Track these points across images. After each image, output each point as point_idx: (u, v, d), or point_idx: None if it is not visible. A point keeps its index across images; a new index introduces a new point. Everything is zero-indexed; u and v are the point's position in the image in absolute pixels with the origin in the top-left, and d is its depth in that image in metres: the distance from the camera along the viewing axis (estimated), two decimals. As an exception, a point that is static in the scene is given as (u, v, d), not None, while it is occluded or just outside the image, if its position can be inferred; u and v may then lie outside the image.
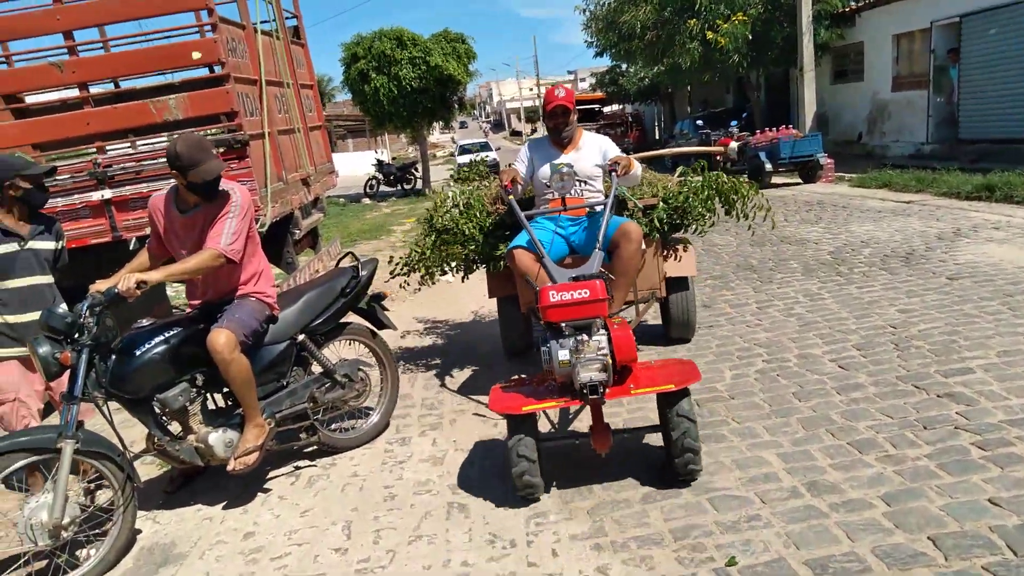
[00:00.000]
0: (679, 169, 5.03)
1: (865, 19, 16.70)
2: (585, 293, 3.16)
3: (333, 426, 4.17)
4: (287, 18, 6.78)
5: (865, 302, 5.62)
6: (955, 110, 13.85)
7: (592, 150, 4.46)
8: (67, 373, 3.12)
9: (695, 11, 16.87)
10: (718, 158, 14.94)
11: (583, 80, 76.51)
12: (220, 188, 3.51)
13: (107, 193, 4.68)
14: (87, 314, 3.10)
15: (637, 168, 4.29)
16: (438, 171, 28.72)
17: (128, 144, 6.21)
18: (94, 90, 5.86)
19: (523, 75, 70.91)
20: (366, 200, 21.39)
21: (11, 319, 3.68)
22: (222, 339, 3.38)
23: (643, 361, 3.41)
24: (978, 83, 13.14)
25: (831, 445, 3.45)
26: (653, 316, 5.66)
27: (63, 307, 3.05)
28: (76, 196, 4.71)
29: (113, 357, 3.23)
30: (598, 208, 4.26)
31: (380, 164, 23.82)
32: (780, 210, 10.86)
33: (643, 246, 4.26)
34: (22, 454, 2.98)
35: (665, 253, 4.78)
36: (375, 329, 4.30)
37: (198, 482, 3.95)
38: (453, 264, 4.87)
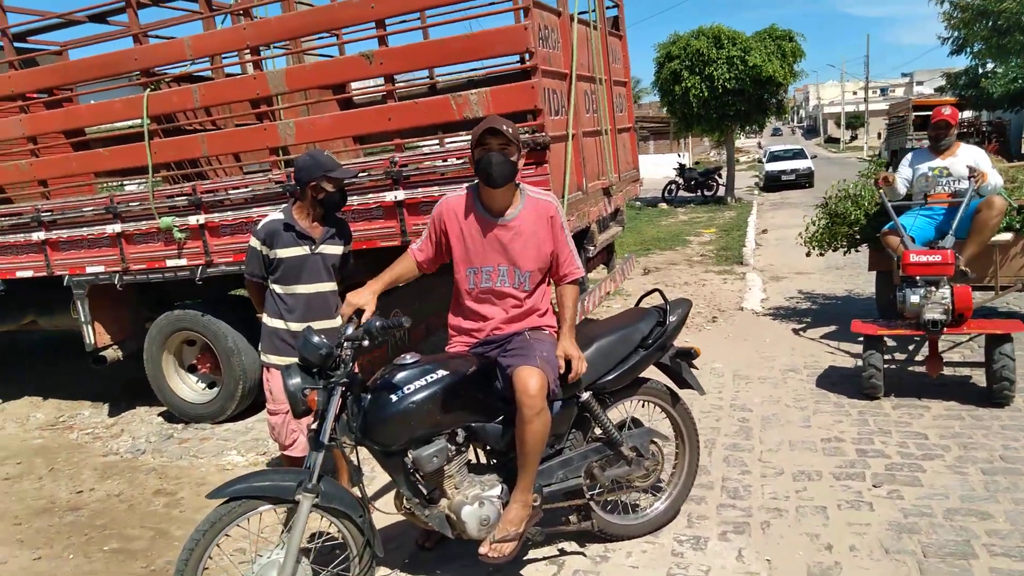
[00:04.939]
0: None
1: None
2: (938, 258, 4.53)
3: (608, 504, 3.31)
4: (607, 7, 6.08)
5: None
6: None
7: (965, 158, 5.21)
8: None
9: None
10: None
11: (919, 84, 67.51)
12: (531, 194, 2.96)
13: (400, 195, 4.35)
14: (345, 347, 2.60)
15: (992, 179, 4.99)
16: (742, 178, 26.75)
17: (436, 142, 6.01)
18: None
19: (848, 77, 64.16)
20: (663, 205, 20.44)
21: (294, 327, 3.44)
22: (536, 382, 2.69)
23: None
24: None
25: None
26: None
27: (318, 337, 2.57)
28: (371, 196, 4.45)
29: (368, 398, 2.71)
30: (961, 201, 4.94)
31: (682, 168, 22.67)
32: None
33: (1001, 218, 5.00)
34: (261, 501, 2.57)
35: None
36: (677, 391, 3.37)
37: (455, 542, 3.35)
38: (842, 241, 6.13)
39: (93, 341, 5.55)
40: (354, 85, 6.17)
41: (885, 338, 4.83)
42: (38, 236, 5.41)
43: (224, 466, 4.67)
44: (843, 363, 5.49)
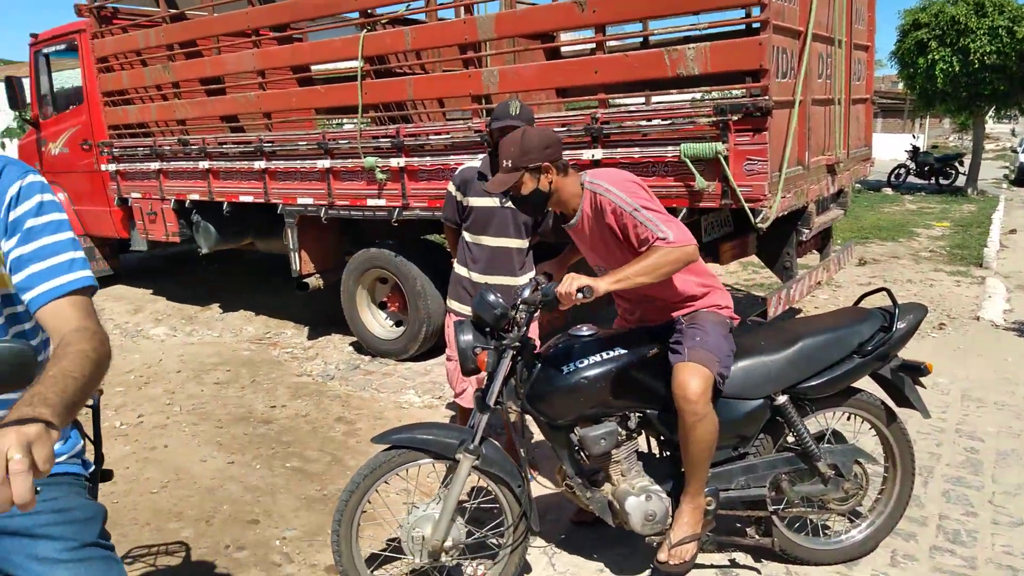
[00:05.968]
0: None
1: None
2: None
3: (793, 522, 2.93)
4: (857, -42, 5.31)
5: None
6: None
7: None
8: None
9: None
10: None
11: None
12: (586, 186, 2.63)
13: (598, 153, 4.10)
14: (521, 310, 2.44)
15: None
16: (987, 168, 23.37)
17: (643, 99, 5.66)
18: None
19: None
20: (887, 190, 18.37)
21: (476, 277, 3.41)
22: (696, 385, 2.39)
23: None
24: None
25: None
26: None
27: (493, 296, 2.43)
28: (568, 152, 4.21)
29: (539, 366, 2.54)
30: None
31: (915, 151, 20.21)
32: None
33: None
34: (422, 454, 2.51)
35: None
36: (894, 408, 2.87)
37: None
38: None
39: (299, 268, 5.91)
40: (564, 37, 5.96)
41: None
42: (259, 165, 5.81)
43: (401, 404, 4.79)
44: (1107, 401, 4.53)
